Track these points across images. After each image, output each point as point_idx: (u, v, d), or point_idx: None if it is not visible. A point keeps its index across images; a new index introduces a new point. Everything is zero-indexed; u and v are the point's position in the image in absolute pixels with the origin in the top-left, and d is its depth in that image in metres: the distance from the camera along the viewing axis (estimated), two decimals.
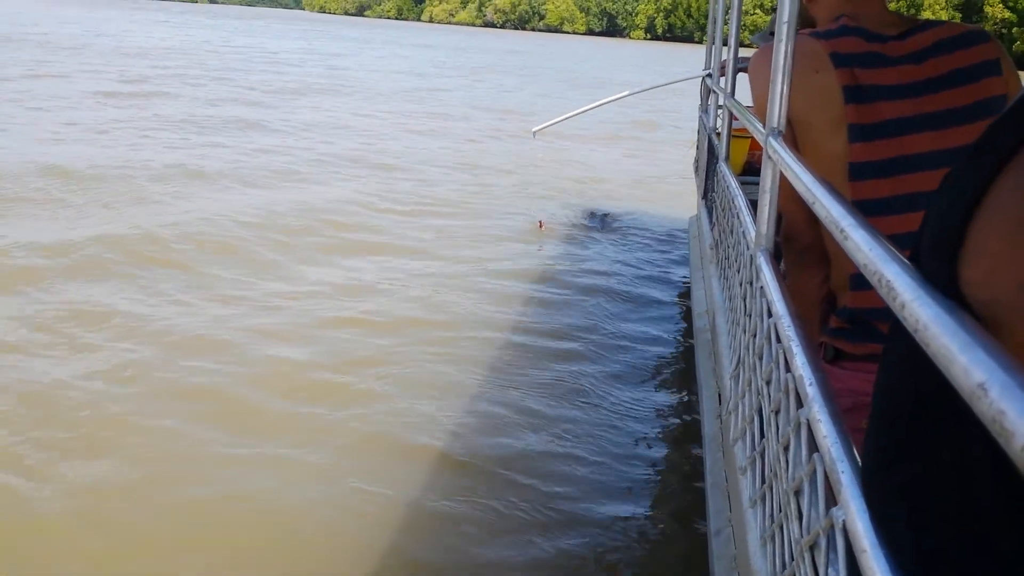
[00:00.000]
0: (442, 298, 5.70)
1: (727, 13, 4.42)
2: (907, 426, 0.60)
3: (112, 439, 3.59)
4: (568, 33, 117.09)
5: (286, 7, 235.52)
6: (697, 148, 6.05)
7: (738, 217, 2.33)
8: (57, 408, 3.80)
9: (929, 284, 0.56)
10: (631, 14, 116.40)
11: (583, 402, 4.24)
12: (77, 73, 18.49)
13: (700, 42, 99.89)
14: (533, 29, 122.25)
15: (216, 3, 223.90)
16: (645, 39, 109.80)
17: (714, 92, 4.72)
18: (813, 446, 0.97)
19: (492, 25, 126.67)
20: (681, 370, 4.75)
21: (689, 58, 52.02)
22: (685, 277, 6.61)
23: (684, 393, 4.43)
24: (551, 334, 5.16)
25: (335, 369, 4.41)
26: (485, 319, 5.34)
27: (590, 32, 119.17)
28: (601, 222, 8.37)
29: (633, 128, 16.85)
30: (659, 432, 4.05)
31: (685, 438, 3.93)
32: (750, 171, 5.33)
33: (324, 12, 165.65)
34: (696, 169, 5.85)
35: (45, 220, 6.85)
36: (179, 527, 3.05)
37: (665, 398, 4.42)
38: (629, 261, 7.04)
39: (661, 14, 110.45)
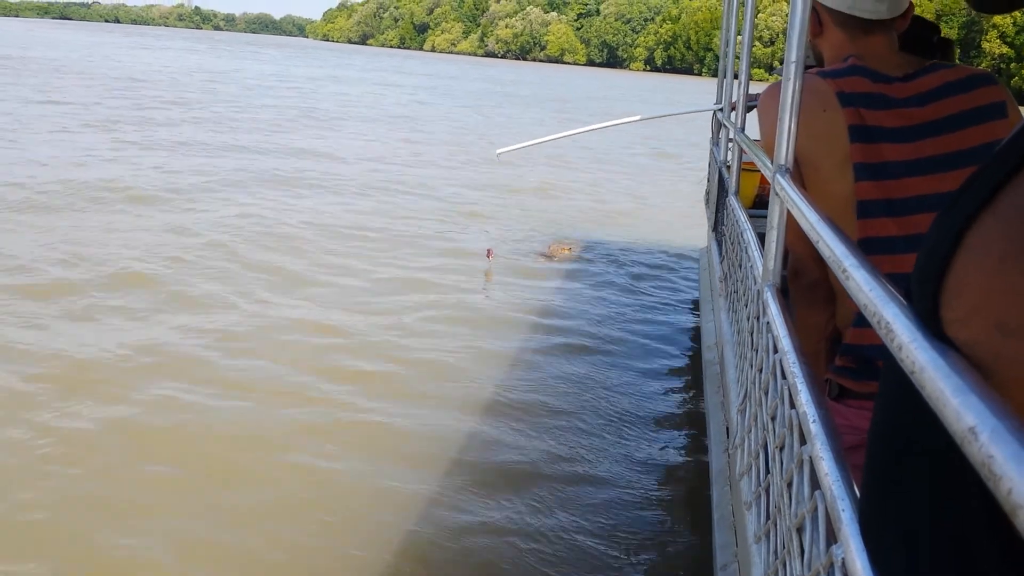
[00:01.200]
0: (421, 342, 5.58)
1: (738, 49, 4.46)
2: (901, 465, 0.60)
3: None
4: (569, 64, 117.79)
5: (290, 35, 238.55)
6: (708, 181, 6.08)
7: (746, 251, 2.34)
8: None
9: (925, 326, 0.57)
10: (631, 46, 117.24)
11: (589, 431, 4.23)
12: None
13: (700, 74, 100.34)
14: (534, 59, 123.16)
15: (220, 30, 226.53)
16: (644, 71, 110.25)
17: (725, 126, 4.75)
18: (815, 483, 0.98)
19: (493, 55, 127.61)
20: (689, 403, 4.74)
21: (685, 90, 52.40)
22: (675, 307, 6.63)
23: (692, 426, 4.42)
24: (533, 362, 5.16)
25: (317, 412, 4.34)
26: (472, 355, 5.32)
27: (590, 63, 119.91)
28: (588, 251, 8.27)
29: (620, 155, 16.98)
30: (667, 463, 4.04)
31: (694, 470, 3.91)
32: (761, 204, 5.34)
33: (328, 40, 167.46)
34: (707, 201, 5.87)
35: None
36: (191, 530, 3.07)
37: (673, 430, 4.41)
38: (619, 293, 7.02)
39: (661, 46, 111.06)
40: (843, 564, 0.77)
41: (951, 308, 0.54)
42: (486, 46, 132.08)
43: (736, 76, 4.05)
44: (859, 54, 1.74)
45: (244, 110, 19.94)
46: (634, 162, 16.38)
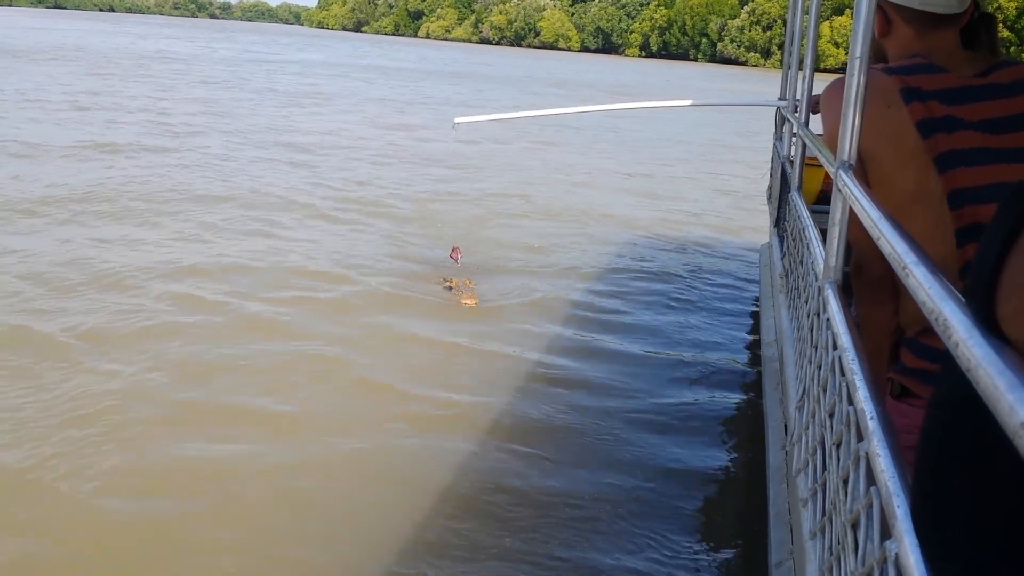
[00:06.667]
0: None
1: (803, 43, 4.39)
2: (954, 462, 0.61)
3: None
4: (563, 50, 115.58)
5: (286, 22, 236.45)
6: (771, 176, 6.00)
7: (808, 248, 2.32)
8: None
9: (980, 322, 0.57)
10: (626, 31, 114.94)
11: (644, 426, 4.22)
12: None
13: (695, 60, 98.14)
14: (529, 46, 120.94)
15: (216, 18, 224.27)
16: (640, 56, 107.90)
17: (788, 121, 4.69)
18: (871, 479, 0.98)
19: (488, 41, 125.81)
20: (748, 399, 4.70)
21: (684, 75, 51.18)
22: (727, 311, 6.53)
23: (750, 422, 4.38)
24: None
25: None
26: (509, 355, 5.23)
27: (585, 49, 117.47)
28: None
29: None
30: (724, 459, 4.02)
31: (750, 467, 3.89)
32: (824, 200, 5.25)
33: (322, 27, 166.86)
34: (769, 197, 5.80)
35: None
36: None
37: (731, 426, 4.38)
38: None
39: (656, 32, 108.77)
40: (896, 559, 0.78)
41: (1005, 305, 0.54)
42: (480, 32, 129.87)
43: (800, 71, 4.00)
44: (927, 51, 1.72)
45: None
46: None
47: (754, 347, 5.38)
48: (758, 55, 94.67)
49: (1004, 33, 69.12)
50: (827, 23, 74.51)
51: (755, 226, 9.16)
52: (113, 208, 7.88)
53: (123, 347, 4.67)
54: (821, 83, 2.38)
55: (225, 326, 5.11)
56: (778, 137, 5.69)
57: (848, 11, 75.94)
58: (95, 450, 3.60)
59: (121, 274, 5.90)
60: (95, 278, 5.77)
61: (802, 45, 4.47)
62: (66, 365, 4.37)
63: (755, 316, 5.99)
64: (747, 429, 4.33)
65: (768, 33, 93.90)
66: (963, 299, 0.66)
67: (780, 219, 4.30)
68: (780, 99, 5.73)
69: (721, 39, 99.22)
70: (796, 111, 4.01)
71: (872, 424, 1.01)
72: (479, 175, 11.49)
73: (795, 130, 3.85)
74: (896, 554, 0.78)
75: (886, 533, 0.86)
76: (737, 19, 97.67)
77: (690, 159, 15.53)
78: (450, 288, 5.94)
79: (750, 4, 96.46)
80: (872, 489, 0.95)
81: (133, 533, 3.10)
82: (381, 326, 5.30)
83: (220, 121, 15.10)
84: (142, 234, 7.03)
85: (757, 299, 6.25)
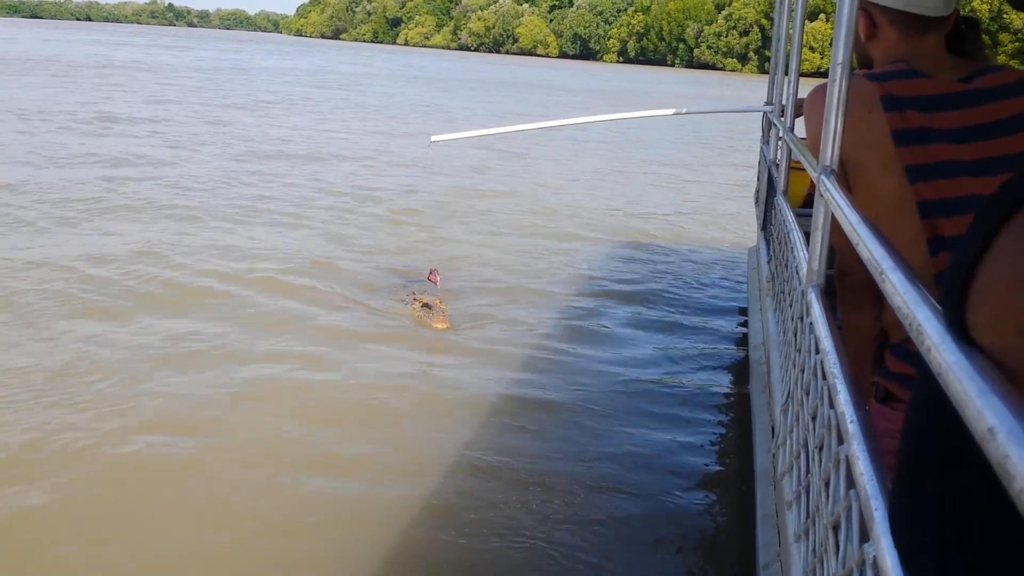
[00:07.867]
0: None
1: (788, 49, 4.42)
2: (929, 466, 0.62)
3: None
4: (542, 56, 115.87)
5: (264, 30, 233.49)
6: (758, 180, 6.03)
7: (793, 251, 2.34)
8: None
9: (952, 329, 0.58)
10: (604, 37, 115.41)
11: (632, 433, 4.23)
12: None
13: (672, 65, 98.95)
14: (507, 52, 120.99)
15: (194, 26, 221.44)
16: (618, 62, 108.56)
17: (774, 125, 4.71)
18: (851, 482, 0.99)
19: (467, 48, 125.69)
20: (737, 402, 4.72)
21: (660, 79, 51.00)
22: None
23: (739, 426, 4.40)
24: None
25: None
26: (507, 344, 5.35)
27: (563, 55, 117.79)
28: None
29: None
30: (712, 463, 4.03)
31: (739, 470, 3.90)
32: (810, 203, 5.28)
33: (301, 35, 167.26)
34: (756, 200, 5.83)
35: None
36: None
37: (720, 429, 4.40)
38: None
39: (633, 38, 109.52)
40: (874, 562, 0.79)
41: (977, 313, 0.55)
42: (459, 39, 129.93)
43: (786, 75, 4.02)
44: (911, 56, 1.72)
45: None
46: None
47: (742, 350, 5.40)
48: (735, 60, 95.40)
49: None
50: None
51: (743, 230, 9.21)
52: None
53: (90, 372, 4.50)
54: (807, 88, 2.39)
55: (189, 344, 4.95)
56: (765, 141, 5.71)
57: (823, 16, 76.00)
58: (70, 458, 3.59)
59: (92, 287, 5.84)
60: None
61: (787, 50, 4.49)
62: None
63: (743, 320, 6.01)
64: (736, 432, 4.35)
65: (745, 39, 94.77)
66: (938, 305, 0.67)
67: (767, 223, 4.32)
68: (766, 104, 5.76)
69: (698, 44, 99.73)
70: (782, 115, 4.04)
71: (852, 427, 1.02)
72: (456, 187, 11.20)
73: (781, 134, 3.87)
74: (874, 556, 0.78)
75: (865, 536, 0.87)
76: (714, 24, 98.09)
77: (676, 164, 15.56)
78: (422, 308, 5.67)
79: (727, 9, 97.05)
80: (851, 492, 0.96)
81: (96, 546, 3.06)
82: (350, 348, 5.11)
83: (190, 130, 14.98)
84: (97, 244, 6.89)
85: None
